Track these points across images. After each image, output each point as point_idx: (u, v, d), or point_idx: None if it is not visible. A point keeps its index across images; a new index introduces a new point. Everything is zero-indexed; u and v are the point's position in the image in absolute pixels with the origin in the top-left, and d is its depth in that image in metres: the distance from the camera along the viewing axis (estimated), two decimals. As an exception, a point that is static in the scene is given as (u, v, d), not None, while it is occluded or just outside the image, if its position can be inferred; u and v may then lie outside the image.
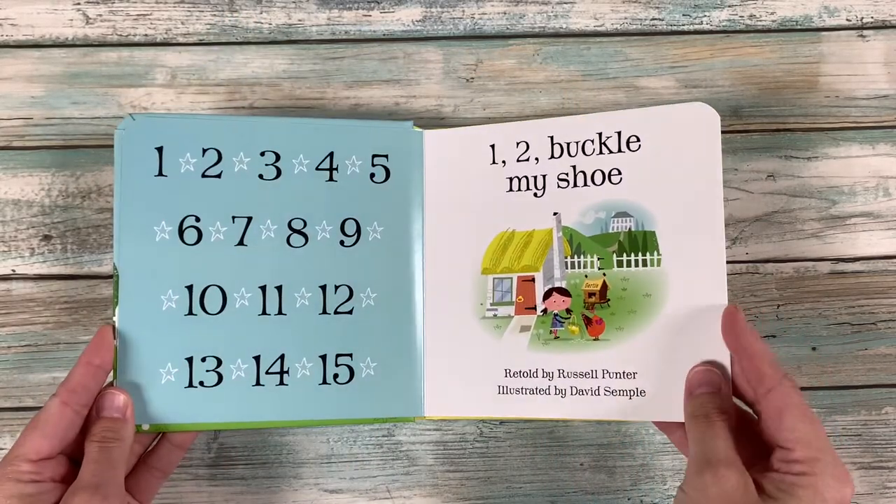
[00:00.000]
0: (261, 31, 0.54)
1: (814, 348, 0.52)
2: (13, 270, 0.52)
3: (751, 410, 0.40)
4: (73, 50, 0.53)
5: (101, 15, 0.54)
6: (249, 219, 0.46)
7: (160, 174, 0.45)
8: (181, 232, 0.45)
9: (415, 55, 0.54)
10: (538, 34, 0.54)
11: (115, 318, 0.43)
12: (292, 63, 0.54)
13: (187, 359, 0.44)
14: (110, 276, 0.52)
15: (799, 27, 0.54)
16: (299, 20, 0.54)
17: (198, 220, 0.45)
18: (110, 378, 0.43)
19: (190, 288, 0.45)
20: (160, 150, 0.45)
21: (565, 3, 0.54)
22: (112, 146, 0.44)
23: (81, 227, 0.52)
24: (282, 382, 0.46)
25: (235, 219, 0.46)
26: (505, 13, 0.54)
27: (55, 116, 0.53)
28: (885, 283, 0.52)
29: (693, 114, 0.46)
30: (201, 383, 0.44)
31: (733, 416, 0.39)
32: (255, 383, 0.45)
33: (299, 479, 0.51)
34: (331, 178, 0.47)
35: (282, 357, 0.46)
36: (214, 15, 0.54)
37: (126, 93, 0.53)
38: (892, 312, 0.52)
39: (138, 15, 0.54)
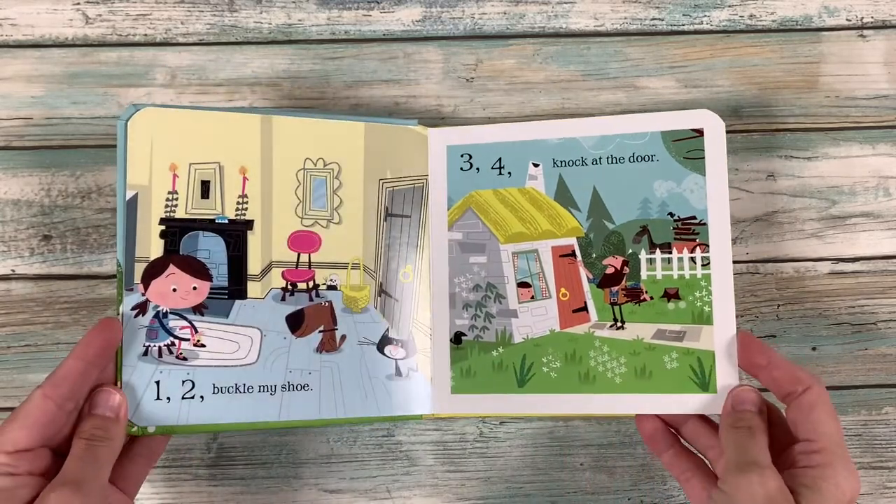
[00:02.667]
0: (260, 31, 0.54)
1: (814, 348, 0.52)
2: (13, 270, 0.52)
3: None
4: (72, 50, 0.53)
5: (100, 15, 0.54)
6: None
7: None
8: None
9: (415, 55, 0.54)
10: (538, 34, 0.54)
11: (119, 313, 0.42)
12: (292, 63, 0.54)
13: None
14: (111, 277, 0.52)
15: (799, 27, 0.54)
16: (299, 20, 0.54)
17: None
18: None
19: None
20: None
21: (565, 3, 0.54)
22: (110, 146, 0.44)
23: (81, 227, 0.52)
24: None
25: None
26: (505, 13, 0.54)
27: (55, 116, 0.53)
28: (885, 283, 0.52)
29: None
30: None
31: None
32: None
33: (299, 479, 0.51)
34: None
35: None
36: (214, 15, 0.54)
37: (126, 92, 0.53)
38: (892, 312, 0.52)
39: (138, 15, 0.54)
